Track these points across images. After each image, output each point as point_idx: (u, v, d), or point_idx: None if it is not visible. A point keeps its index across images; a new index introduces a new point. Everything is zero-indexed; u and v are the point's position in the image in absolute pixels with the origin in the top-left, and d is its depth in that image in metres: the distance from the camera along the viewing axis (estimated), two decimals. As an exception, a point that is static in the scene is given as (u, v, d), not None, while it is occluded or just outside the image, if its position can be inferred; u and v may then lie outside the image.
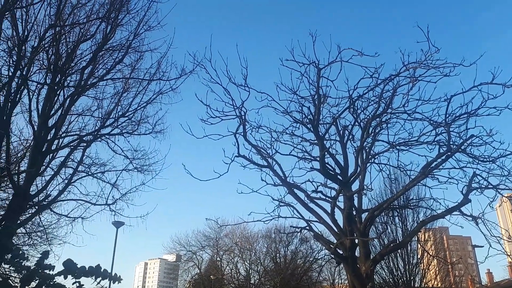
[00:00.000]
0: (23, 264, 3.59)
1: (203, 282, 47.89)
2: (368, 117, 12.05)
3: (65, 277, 3.60)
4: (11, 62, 10.34)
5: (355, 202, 11.95)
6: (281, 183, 12.13)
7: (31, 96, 11.29)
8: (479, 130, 10.76)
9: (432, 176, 11.65)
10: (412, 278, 27.27)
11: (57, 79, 11.45)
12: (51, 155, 12.70)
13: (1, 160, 12.17)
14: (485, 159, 10.90)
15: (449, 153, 10.85)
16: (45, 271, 3.57)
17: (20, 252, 3.65)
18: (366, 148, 12.27)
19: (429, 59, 10.67)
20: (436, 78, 10.90)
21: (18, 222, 11.89)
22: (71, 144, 12.94)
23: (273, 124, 13.34)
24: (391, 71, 11.35)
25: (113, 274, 3.79)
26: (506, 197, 12.34)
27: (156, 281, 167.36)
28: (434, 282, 30.41)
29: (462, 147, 10.84)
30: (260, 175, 12.24)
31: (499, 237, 10.85)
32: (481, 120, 10.82)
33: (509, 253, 11.93)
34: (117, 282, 3.89)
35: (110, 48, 12.48)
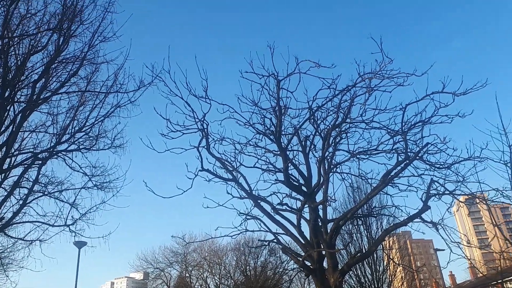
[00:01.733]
0: None
1: (172, 300, 46.66)
2: (328, 127, 12.20)
3: None
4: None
5: (320, 213, 11.99)
6: (247, 196, 12.02)
7: (-23, 113, 10.69)
8: (434, 138, 11.09)
9: (393, 184, 11.88)
10: (380, 285, 27.69)
11: (7, 94, 10.90)
12: (3, 174, 12.04)
13: None
14: (441, 166, 11.21)
15: (407, 161, 11.10)
16: None
17: None
18: (328, 158, 12.39)
19: (384, 69, 11.00)
20: (391, 88, 11.24)
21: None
22: (25, 162, 12.33)
23: (237, 136, 13.29)
24: (348, 81, 11.59)
25: None
26: (462, 201, 12.76)
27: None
28: (401, 288, 31.04)
29: (419, 155, 11.11)
30: (225, 188, 12.11)
31: (458, 242, 11.11)
32: (435, 128, 11.21)
33: (469, 257, 12.25)
34: None
35: (64, 60, 12.04)
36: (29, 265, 14.49)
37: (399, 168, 11.30)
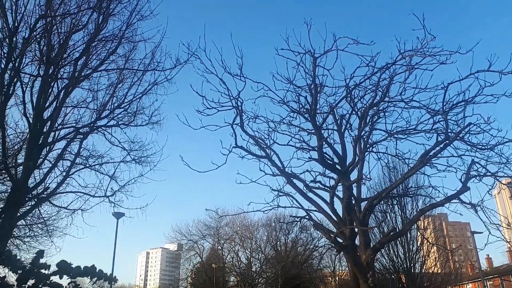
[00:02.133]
0: (18, 264, 3.57)
1: (205, 271, 48.31)
2: (365, 106, 11.96)
3: (61, 277, 3.58)
4: (2, 54, 10.21)
5: (354, 192, 11.93)
6: (279, 173, 12.09)
7: (24, 89, 11.19)
8: (477, 118, 10.72)
9: (431, 164, 11.61)
10: (412, 265, 27.46)
11: (50, 71, 11.32)
12: (48, 147, 12.64)
13: (-2, 153, 12.09)
14: (483, 147, 10.83)
15: (447, 141, 10.79)
16: (41, 270, 3.55)
17: (13, 254, 3.64)
18: (364, 137, 12.21)
19: (425, 47, 10.59)
20: (432, 66, 10.81)
21: (18, 214, 11.90)
22: (68, 136, 12.87)
23: (270, 114, 13.27)
24: (388, 59, 11.27)
25: (112, 271, 3.77)
26: (504, 184, 12.33)
27: (158, 270, 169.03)
28: (434, 269, 30.63)
29: (460, 135, 10.78)
30: (258, 165, 12.22)
31: (498, 224, 10.86)
32: (478, 107, 10.81)
33: (508, 240, 11.93)
34: (112, 283, 3.89)
35: (103, 39, 12.31)
36: (71, 232, 15.32)
37: (438, 148, 11.01)
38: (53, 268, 3.71)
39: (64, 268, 3.62)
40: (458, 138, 10.80)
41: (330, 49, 11.04)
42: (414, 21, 10.14)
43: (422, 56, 10.71)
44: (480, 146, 10.89)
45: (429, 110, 11.20)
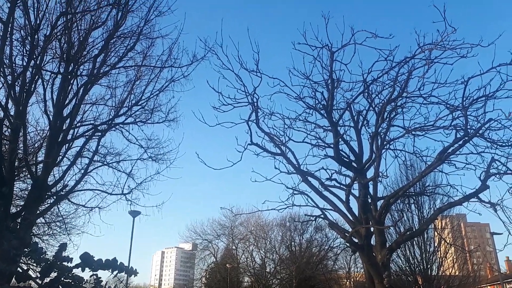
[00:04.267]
0: (42, 256, 3.64)
1: (219, 271, 48.47)
2: (383, 101, 11.83)
3: (83, 270, 3.64)
4: (24, 51, 10.43)
5: (370, 190, 11.82)
6: (294, 171, 12.05)
7: (45, 86, 11.40)
8: (498, 114, 10.44)
9: (449, 162, 11.41)
10: (429, 266, 27.04)
11: (70, 68, 11.52)
12: (67, 145, 12.85)
13: (19, 151, 12.36)
14: (504, 144, 10.58)
15: (466, 138, 10.57)
16: (63, 263, 3.61)
17: (39, 246, 3.71)
18: (381, 133, 12.08)
19: (446, 40, 10.36)
20: (452, 60, 10.58)
21: (37, 212, 12.11)
22: (86, 133, 13.07)
23: (286, 111, 13.25)
24: (406, 53, 11.10)
25: (129, 266, 3.82)
26: (526, 182, 12.00)
27: (173, 270, 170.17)
28: (451, 271, 30.11)
29: (480, 132, 10.54)
30: (273, 163, 12.20)
31: (519, 224, 10.57)
32: (499, 103, 10.62)
33: (529, 241, 11.61)
34: (133, 275, 3.94)
35: (122, 35, 12.45)
36: (89, 230, 15.61)
37: (457, 145, 10.81)
38: (75, 262, 3.77)
39: (86, 260, 3.68)
40: (477, 134, 10.57)
41: (347, 43, 10.93)
42: (435, 13, 9.93)
43: (442, 50, 10.49)
44: (500, 143, 10.63)
45: (448, 105, 11.00)
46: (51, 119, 11.61)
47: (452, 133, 11.08)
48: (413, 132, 11.74)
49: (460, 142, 10.76)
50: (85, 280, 3.79)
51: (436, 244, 27.80)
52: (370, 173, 11.86)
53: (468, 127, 10.58)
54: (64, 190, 13.16)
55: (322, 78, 11.67)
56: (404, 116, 11.99)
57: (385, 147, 12.32)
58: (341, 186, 12.11)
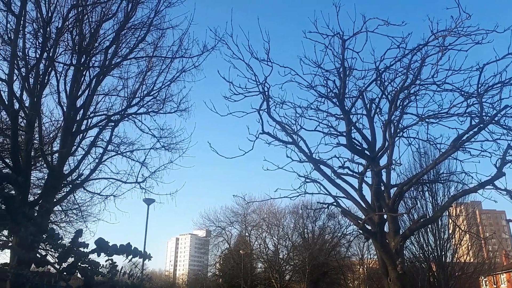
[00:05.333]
0: (59, 242, 3.74)
1: (233, 257, 49.04)
2: (395, 89, 11.65)
3: (98, 255, 3.73)
4: (37, 44, 10.56)
5: (383, 177, 11.74)
6: (306, 160, 12.02)
7: (58, 78, 11.58)
8: (514, 100, 10.22)
9: (464, 149, 11.24)
10: (443, 253, 26.91)
11: (82, 60, 11.64)
12: (81, 135, 13.08)
13: (35, 141, 12.62)
14: (520, 131, 10.38)
15: (481, 125, 10.39)
16: (80, 249, 3.71)
17: (55, 232, 3.81)
18: (394, 121, 11.93)
19: (460, 26, 10.07)
20: (467, 46, 10.30)
21: (54, 200, 12.40)
22: (100, 124, 13.27)
23: (297, 100, 13.16)
24: (419, 40, 10.85)
25: (143, 252, 3.89)
26: (543, 169, 11.79)
27: (187, 256, 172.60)
28: (466, 258, 29.93)
29: (496, 118, 10.34)
30: (285, 151, 12.19)
31: (535, 211, 10.43)
32: (515, 89, 10.28)
33: (546, 228, 11.47)
34: (147, 259, 4.01)
35: (132, 27, 12.55)
36: (104, 217, 15.96)
37: (472, 132, 10.64)
38: (91, 248, 3.87)
39: (101, 245, 3.75)
40: (493, 121, 10.37)
41: (359, 31, 10.71)
42: (448, -1, 9.75)
43: (456, 36, 10.22)
44: (517, 130, 10.45)
45: (462, 92, 10.78)
46: (65, 110, 11.80)
47: (467, 120, 10.92)
48: (427, 120, 11.57)
49: (475, 129, 10.58)
50: (101, 265, 3.88)
51: (450, 231, 27.62)
52: (383, 161, 11.79)
53: (484, 114, 10.38)
54: (79, 179, 13.44)
55: (334, 66, 11.53)
56: (418, 104, 11.82)
57: (398, 135, 12.19)
58: (354, 174, 12.05)
